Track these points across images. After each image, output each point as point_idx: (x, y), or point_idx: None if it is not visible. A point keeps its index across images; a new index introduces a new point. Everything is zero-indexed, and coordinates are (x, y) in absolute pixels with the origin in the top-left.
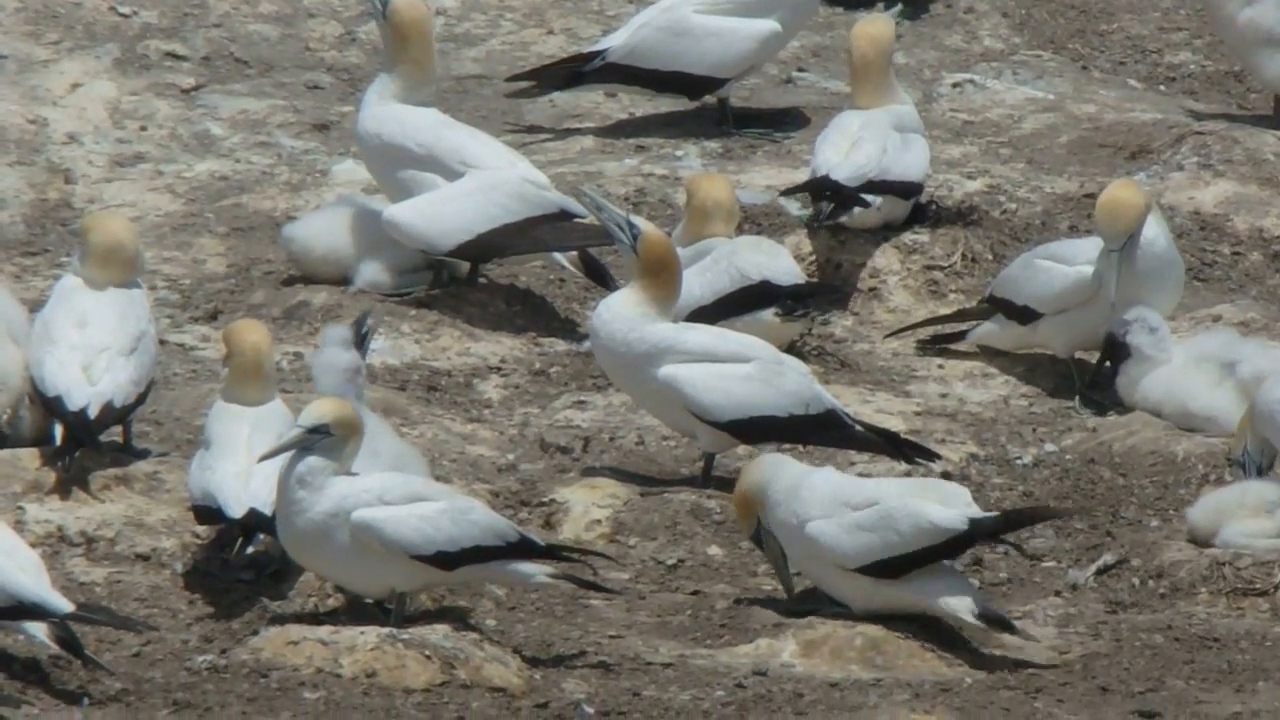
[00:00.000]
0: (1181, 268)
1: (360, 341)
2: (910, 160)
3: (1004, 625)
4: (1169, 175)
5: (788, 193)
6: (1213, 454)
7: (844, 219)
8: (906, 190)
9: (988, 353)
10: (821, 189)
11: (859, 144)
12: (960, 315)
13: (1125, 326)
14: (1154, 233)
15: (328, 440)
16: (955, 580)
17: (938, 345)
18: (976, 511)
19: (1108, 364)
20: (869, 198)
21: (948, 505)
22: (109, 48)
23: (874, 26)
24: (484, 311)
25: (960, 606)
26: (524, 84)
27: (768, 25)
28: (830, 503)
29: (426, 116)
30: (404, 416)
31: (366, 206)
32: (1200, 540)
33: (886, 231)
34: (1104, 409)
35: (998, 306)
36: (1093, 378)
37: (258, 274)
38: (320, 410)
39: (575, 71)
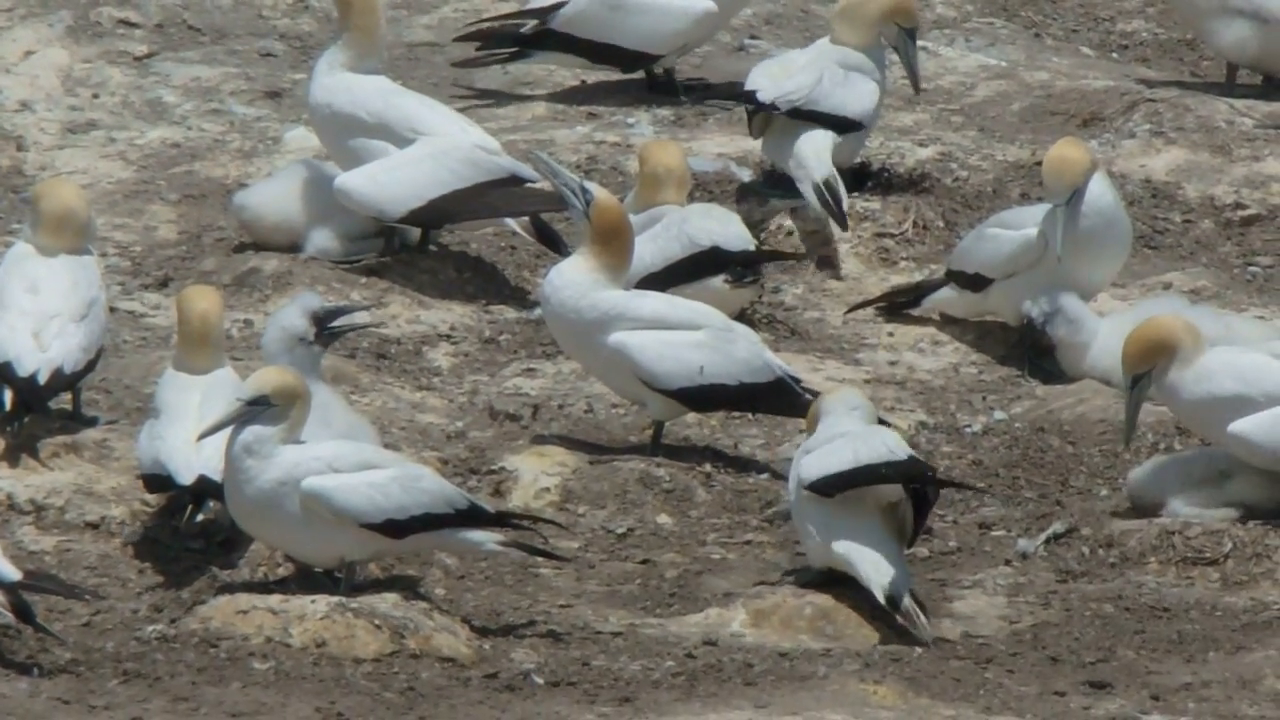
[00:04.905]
0: (1128, 229)
1: (325, 320)
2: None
3: (909, 620)
4: (1121, 143)
5: None
6: (1162, 422)
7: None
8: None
9: (938, 321)
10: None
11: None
12: (918, 288)
13: (1043, 318)
14: (1099, 189)
15: (271, 410)
16: (888, 558)
17: (892, 311)
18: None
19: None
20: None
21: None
22: (62, 15)
23: None
24: (434, 279)
25: (875, 581)
26: (473, 44)
27: (702, 5)
28: (821, 438)
29: (376, 85)
30: (353, 384)
31: (318, 173)
32: (1141, 508)
33: None
34: (1053, 377)
35: (954, 279)
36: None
37: (209, 241)
38: (259, 382)
39: (518, 35)
